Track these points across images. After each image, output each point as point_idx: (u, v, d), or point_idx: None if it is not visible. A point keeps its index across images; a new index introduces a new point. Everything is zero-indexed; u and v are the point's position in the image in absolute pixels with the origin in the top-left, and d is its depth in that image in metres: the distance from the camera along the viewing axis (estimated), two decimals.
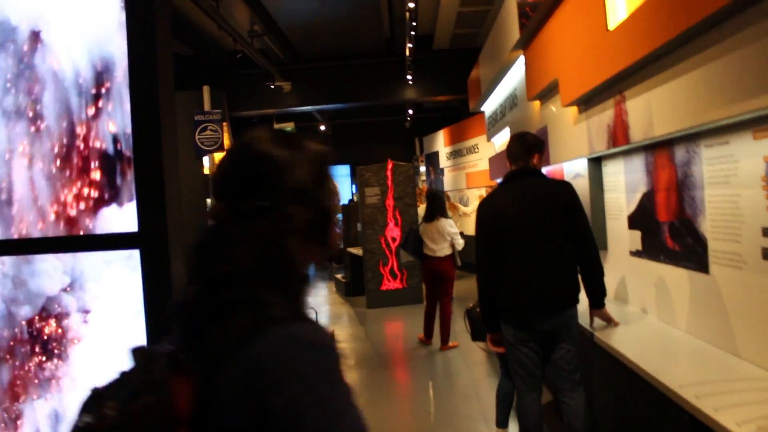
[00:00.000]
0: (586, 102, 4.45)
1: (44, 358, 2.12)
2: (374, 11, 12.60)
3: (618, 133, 3.87)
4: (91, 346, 2.12)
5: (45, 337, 2.11)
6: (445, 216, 7.57)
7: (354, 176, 22.39)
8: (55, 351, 2.12)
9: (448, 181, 16.30)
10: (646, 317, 4.11)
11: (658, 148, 3.73)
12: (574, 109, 4.77)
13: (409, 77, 14.27)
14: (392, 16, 13.35)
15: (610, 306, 4.21)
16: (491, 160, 9.52)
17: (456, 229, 7.63)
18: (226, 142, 11.63)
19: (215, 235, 1.12)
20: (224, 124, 9.00)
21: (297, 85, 15.35)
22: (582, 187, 5.04)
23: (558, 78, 4.81)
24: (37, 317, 2.12)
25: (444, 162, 16.49)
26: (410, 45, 12.13)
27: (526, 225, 3.59)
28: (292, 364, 1.01)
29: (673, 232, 3.66)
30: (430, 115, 21.90)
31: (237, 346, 1.02)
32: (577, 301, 3.70)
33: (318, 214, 1.19)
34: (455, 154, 15.60)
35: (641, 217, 4.16)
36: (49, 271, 2.10)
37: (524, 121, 6.60)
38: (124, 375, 1.06)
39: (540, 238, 3.58)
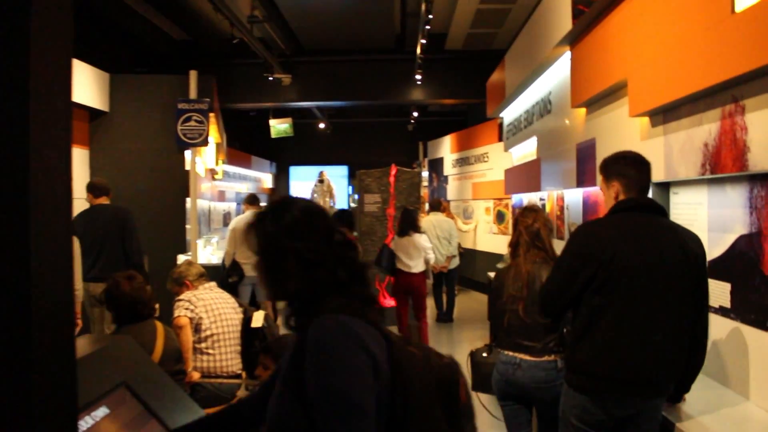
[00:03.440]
0: (667, 112, 3.46)
1: None
2: (385, 4, 11.64)
3: (724, 156, 2.87)
4: None
5: None
6: (418, 231, 7.59)
7: (352, 179, 21.45)
8: None
9: (451, 190, 15.30)
10: (741, 400, 3.11)
11: None
12: (644, 120, 3.77)
13: (418, 77, 13.28)
14: (404, 10, 12.37)
15: None
16: (508, 172, 8.54)
17: (430, 244, 7.69)
18: (215, 136, 10.63)
19: None
20: (211, 114, 7.98)
21: (297, 78, 14.37)
22: None
23: (626, 80, 3.81)
24: None
25: (449, 169, 15.50)
26: (423, 41, 11.13)
27: (646, 275, 2.64)
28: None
29: None
30: (434, 119, 20.97)
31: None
32: (670, 388, 2.83)
33: None
34: (462, 162, 14.60)
35: (733, 266, 3.17)
36: None
37: (561, 131, 5.60)
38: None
39: (660, 298, 2.66)
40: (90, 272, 6.00)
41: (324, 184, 17.78)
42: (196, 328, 4.18)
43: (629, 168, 2.83)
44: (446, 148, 15.71)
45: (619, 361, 2.66)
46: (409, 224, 7.55)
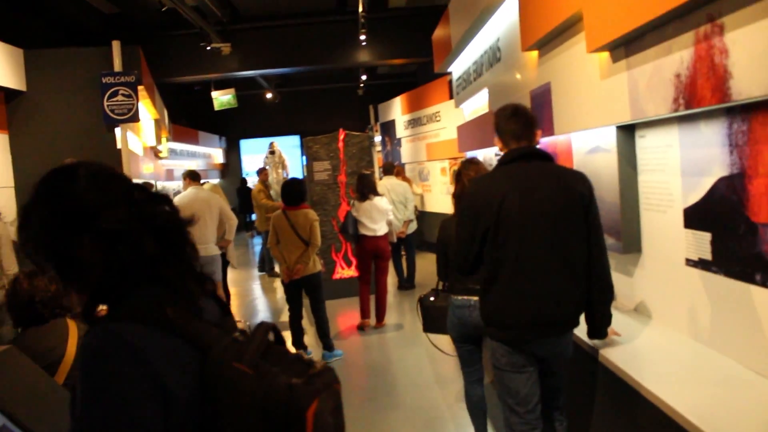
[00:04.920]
0: (629, 43, 3.07)
1: None
2: None
3: (700, 87, 2.49)
4: None
5: None
6: (377, 194, 7.59)
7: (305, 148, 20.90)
8: None
9: (405, 153, 14.88)
10: (727, 361, 2.79)
11: (761, 111, 2.38)
12: (603, 56, 3.39)
13: (362, 38, 12.77)
14: None
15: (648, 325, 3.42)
16: (461, 129, 8.14)
17: (390, 206, 7.81)
18: (152, 112, 10.02)
19: None
20: (140, 87, 7.40)
21: (237, 47, 13.74)
22: (607, 165, 3.70)
23: (581, 12, 3.41)
24: None
25: (401, 132, 15.05)
26: None
27: (533, 223, 2.87)
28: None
29: None
30: (384, 81, 20.50)
31: None
32: (578, 322, 3.07)
33: None
34: (414, 123, 14.17)
35: (713, 214, 2.82)
36: None
37: (513, 79, 5.20)
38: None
39: (550, 241, 2.88)
40: None
41: (275, 155, 17.23)
42: None
43: (504, 122, 3.06)
44: (397, 110, 15.26)
45: (520, 309, 2.89)
46: (368, 188, 7.50)
